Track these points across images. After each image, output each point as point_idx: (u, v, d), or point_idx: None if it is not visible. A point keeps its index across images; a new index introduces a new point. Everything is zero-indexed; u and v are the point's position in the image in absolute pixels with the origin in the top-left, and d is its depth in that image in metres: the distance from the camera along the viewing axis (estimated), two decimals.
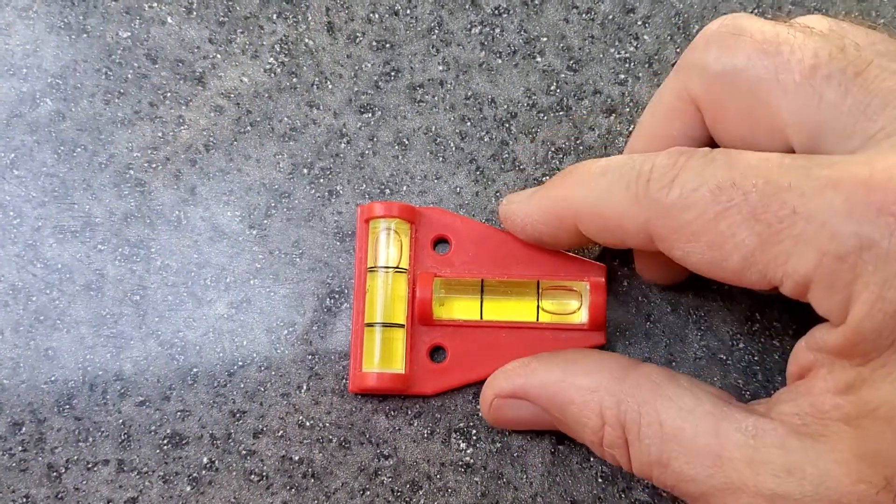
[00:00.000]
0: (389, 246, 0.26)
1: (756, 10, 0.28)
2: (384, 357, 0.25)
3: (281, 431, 0.26)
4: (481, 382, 0.25)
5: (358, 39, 0.28)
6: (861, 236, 0.16)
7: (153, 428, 0.26)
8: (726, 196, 0.18)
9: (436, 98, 0.28)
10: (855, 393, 0.18)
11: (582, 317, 0.25)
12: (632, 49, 0.28)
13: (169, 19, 0.28)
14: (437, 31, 0.28)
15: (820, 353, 0.19)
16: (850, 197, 0.17)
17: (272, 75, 0.28)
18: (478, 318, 0.25)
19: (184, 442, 0.26)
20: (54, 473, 0.25)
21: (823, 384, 0.18)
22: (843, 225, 0.17)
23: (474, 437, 0.26)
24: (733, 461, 0.19)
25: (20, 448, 0.25)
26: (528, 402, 0.23)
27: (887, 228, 0.16)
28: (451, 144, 0.27)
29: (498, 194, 0.27)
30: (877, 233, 0.16)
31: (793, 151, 0.20)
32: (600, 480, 0.25)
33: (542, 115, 0.28)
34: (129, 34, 0.28)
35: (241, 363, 0.26)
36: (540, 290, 0.25)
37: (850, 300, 0.17)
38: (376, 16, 0.28)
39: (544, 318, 0.25)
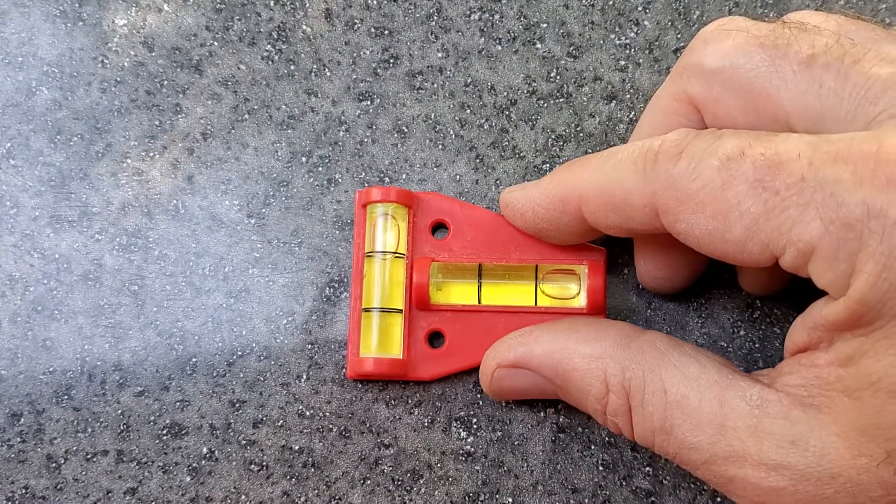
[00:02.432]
0: (387, 231, 0.26)
1: None
2: (382, 342, 0.25)
3: (281, 421, 0.26)
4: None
5: (356, 26, 0.28)
6: (869, 205, 0.16)
7: (152, 418, 0.26)
8: (734, 165, 0.18)
9: (435, 85, 0.27)
10: (855, 365, 0.18)
11: (581, 300, 0.25)
12: (632, 35, 0.28)
13: (165, 7, 0.28)
14: (436, 18, 0.28)
15: (818, 329, 0.19)
16: (859, 168, 0.17)
17: (270, 63, 0.27)
18: (476, 302, 0.25)
19: (183, 432, 0.25)
20: (53, 464, 0.25)
21: (826, 356, 0.19)
22: (851, 194, 0.17)
23: (475, 426, 0.26)
24: (737, 430, 0.19)
25: (19, 439, 0.25)
26: (531, 371, 0.23)
27: None
28: (451, 132, 0.27)
29: (498, 182, 0.27)
30: (885, 202, 0.16)
31: None
32: (601, 468, 0.25)
33: (542, 102, 0.27)
34: (126, 22, 0.28)
35: (240, 353, 0.26)
36: (539, 275, 0.25)
37: (854, 270, 0.17)
38: (374, 2, 0.28)
39: (543, 302, 0.25)
